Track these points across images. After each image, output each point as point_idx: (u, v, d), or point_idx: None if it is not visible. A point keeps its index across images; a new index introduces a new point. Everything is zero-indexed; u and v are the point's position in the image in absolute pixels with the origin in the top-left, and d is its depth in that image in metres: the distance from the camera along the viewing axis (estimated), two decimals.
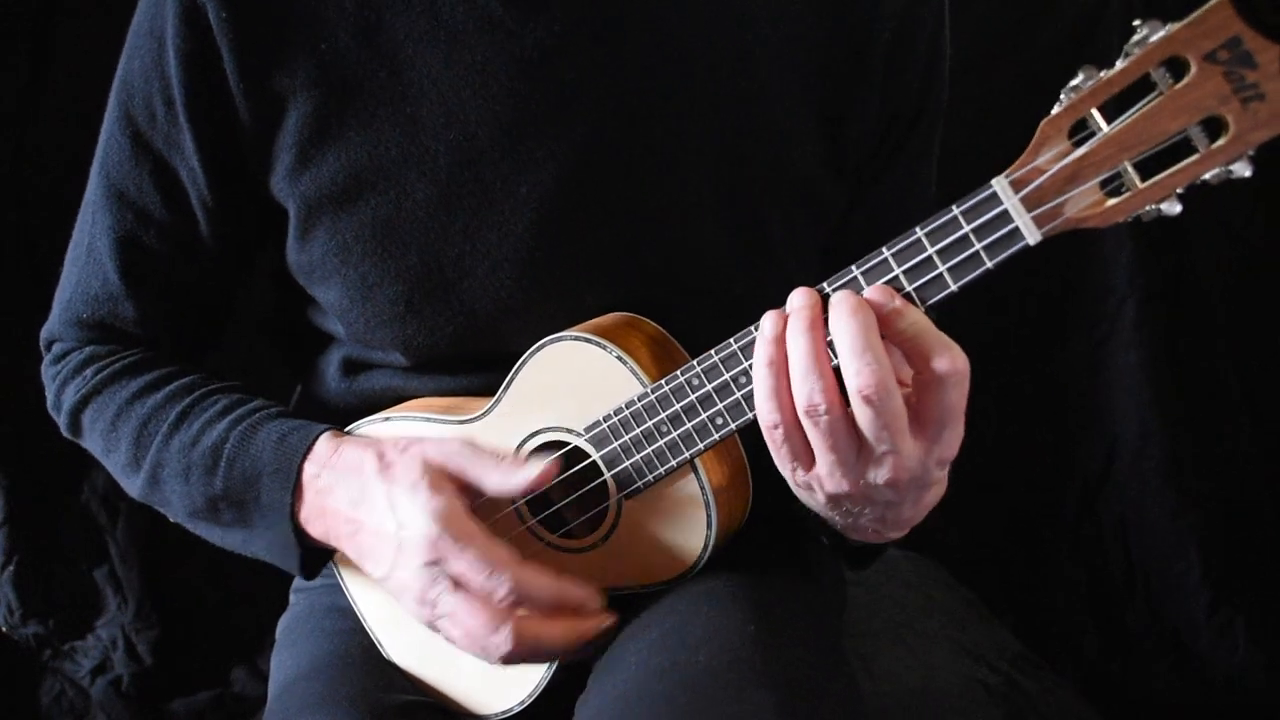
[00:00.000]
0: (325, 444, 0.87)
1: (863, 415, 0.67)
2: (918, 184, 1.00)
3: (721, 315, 0.78)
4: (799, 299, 0.71)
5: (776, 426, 0.71)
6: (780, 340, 0.70)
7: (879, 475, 0.70)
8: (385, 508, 0.82)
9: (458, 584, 0.79)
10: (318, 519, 0.87)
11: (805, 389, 0.69)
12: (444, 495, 0.81)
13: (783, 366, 0.70)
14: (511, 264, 0.88)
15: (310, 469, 0.86)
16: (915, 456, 0.69)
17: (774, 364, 0.70)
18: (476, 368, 0.92)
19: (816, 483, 0.73)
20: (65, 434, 1.00)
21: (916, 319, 0.68)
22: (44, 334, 1.02)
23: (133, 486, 0.95)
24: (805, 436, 0.71)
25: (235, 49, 0.85)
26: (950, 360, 0.67)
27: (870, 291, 0.69)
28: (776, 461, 0.74)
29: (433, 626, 0.82)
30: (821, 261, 0.98)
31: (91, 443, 0.98)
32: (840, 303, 0.68)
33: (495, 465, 0.81)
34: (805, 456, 0.72)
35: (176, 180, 0.92)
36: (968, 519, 1.82)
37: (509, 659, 0.80)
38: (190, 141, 0.89)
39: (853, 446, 0.69)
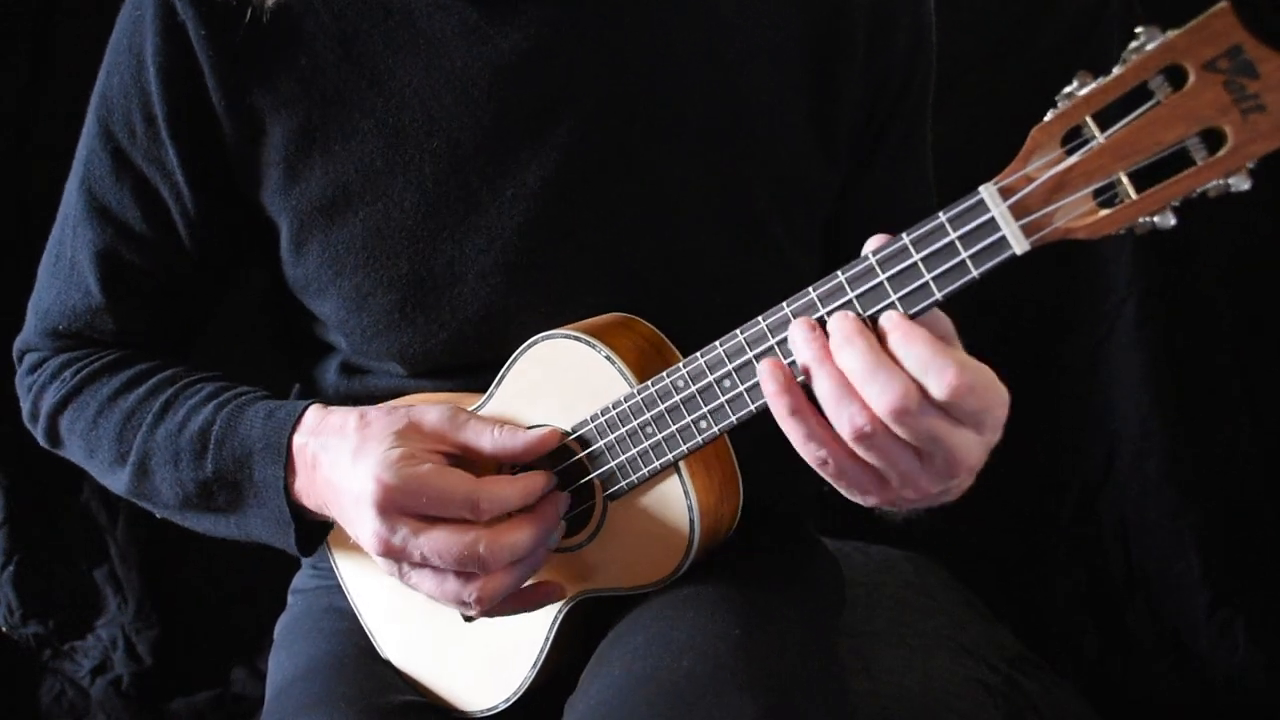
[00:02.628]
0: (313, 414, 0.86)
1: (904, 431, 0.65)
2: (912, 166, 1.00)
3: (722, 313, 0.77)
4: (799, 333, 0.69)
5: (826, 463, 0.69)
6: (791, 388, 0.68)
7: (946, 469, 0.68)
8: (349, 461, 0.80)
9: (420, 527, 0.77)
10: (309, 490, 0.85)
11: (845, 416, 0.66)
12: (408, 444, 0.79)
13: (807, 409, 0.68)
14: (501, 268, 0.88)
15: (299, 439, 0.85)
16: (972, 441, 0.67)
17: (797, 411, 0.68)
18: (474, 373, 0.92)
19: (898, 502, 0.71)
20: (43, 443, 0.99)
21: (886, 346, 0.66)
22: (17, 345, 1.01)
23: (118, 483, 0.94)
24: (862, 463, 0.68)
25: (215, 66, 0.85)
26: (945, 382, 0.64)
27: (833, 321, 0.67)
28: (849, 496, 0.72)
29: (405, 580, 0.81)
30: (823, 252, 0.98)
31: (72, 446, 0.96)
32: (835, 332, 0.67)
33: (490, 428, 0.80)
34: (872, 481, 0.69)
35: (158, 196, 0.91)
36: (968, 519, 1.81)
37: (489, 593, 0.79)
38: (173, 157, 0.89)
39: (912, 455, 0.67)
